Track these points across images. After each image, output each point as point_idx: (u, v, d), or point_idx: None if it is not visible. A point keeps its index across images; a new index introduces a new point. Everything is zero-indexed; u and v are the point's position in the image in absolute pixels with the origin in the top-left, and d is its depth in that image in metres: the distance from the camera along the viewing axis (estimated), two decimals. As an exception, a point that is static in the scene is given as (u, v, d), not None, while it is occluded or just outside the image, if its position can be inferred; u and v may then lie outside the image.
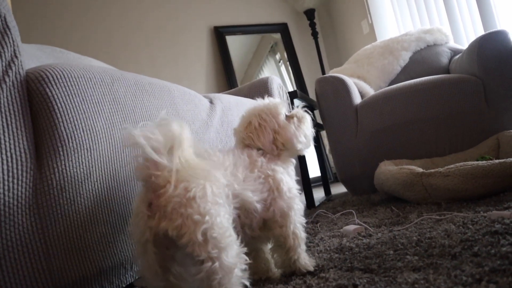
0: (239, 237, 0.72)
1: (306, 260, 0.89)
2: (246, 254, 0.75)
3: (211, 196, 0.67)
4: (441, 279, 0.67)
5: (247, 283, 0.69)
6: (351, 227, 1.23)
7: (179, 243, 0.64)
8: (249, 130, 0.94)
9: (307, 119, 1.00)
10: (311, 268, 0.88)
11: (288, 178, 0.92)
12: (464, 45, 2.64)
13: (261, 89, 1.91)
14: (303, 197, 2.05)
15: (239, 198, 0.79)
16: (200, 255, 0.64)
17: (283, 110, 0.97)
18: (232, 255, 0.67)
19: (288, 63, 4.13)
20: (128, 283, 0.92)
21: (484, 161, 1.33)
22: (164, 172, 0.65)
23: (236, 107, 1.46)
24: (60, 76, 0.79)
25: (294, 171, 0.98)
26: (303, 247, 0.89)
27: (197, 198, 0.65)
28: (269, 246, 0.94)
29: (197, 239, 0.63)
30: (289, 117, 0.98)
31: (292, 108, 1.01)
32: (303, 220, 0.91)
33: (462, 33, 2.80)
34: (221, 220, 0.67)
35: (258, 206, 0.83)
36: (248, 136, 0.93)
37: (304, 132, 0.97)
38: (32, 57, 1.30)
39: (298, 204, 0.90)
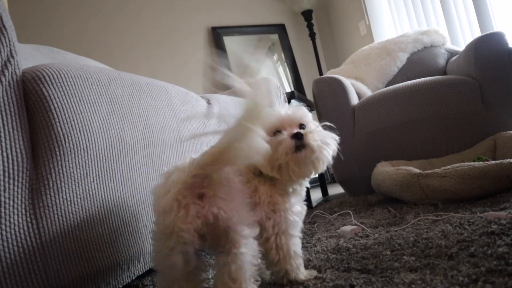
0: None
1: (299, 274, 0.82)
2: None
3: None
4: (438, 279, 0.67)
5: (258, 278, 0.72)
6: (348, 228, 1.23)
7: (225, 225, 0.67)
8: None
9: None
10: (301, 281, 0.82)
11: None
12: (461, 46, 2.65)
13: (259, 89, 1.91)
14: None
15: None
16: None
17: None
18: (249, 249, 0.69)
19: (285, 64, 4.13)
20: (125, 283, 0.92)
21: (481, 162, 1.33)
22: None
23: (234, 107, 1.46)
24: (56, 76, 0.79)
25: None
26: (298, 261, 0.83)
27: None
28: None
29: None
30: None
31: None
32: (298, 233, 0.84)
33: (459, 35, 2.80)
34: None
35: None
36: None
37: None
38: (29, 57, 1.29)
39: (293, 217, 0.83)
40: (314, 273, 0.85)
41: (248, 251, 0.69)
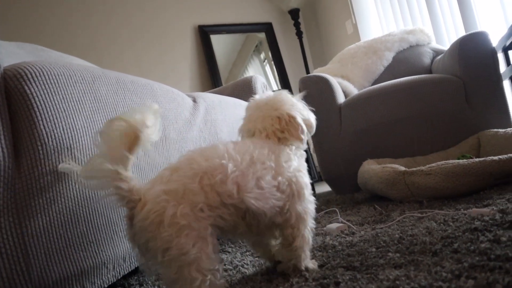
0: (238, 233, 0.80)
1: (308, 264, 0.86)
2: (256, 243, 0.93)
3: (169, 221, 0.68)
4: (422, 275, 0.68)
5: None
6: (334, 225, 1.23)
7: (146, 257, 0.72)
8: (277, 123, 0.90)
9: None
10: (306, 268, 0.86)
11: (308, 179, 0.89)
12: (445, 45, 2.68)
13: (245, 88, 1.91)
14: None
15: (242, 203, 0.75)
16: (163, 271, 0.71)
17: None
18: (198, 268, 0.69)
19: (272, 62, 4.13)
20: (110, 283, 0.91)
21: (465, 160, 1.35)
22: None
23: (219, 105, 1.46)
24: (39, 73, 0.78)
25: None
26: (307, 252, 0.87)
27: (154, 225, 0.69)
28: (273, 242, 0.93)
29: (158, 259, 0.69)
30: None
31: None
32: (313, 225, 0.89)
33: (444, 34, 2.84)
34: (178, 243, 0.68)
35: (268, 212, 0.79)
36: (279, 130, 0.90)
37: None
38: (12, 54, 1.27)
39: (312, 207, 0.89)
40: (316, 264, 0.89)
41: None
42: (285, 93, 0.97)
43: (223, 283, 0.74)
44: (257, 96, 1.00)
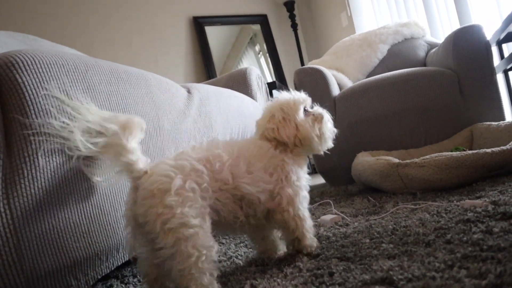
0: (239, 226, 0.84)
1: (313, 242, 0.90)
2: (254, 235, 0.97)
3: (175, 190, 0.72)
4: (415, 266, 0.68)
5: (215, 273, 0.75)
6: (328, 217, 1.24)
7: (145, 229, 0.72)
8: (272, 122, 0.93)
9: (325, 117, 0.98)
10: (313, 249, 0.90)
11: (298, 169, 0.92)
12: (440, 38, 2.68)
13: (240, 79, 1.90)
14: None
15: (235, 190, 0.81)
16: (160, 242, 0.70)
17: (302, 106, 0.96)
18: (194, 245, 0.70)
19: (267, 54, 4.12)
20: (104, 274, 0.91)
21: (458, 152, 1.36)
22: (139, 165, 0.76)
23: (214, 96, 1.45)
24: (31, 62, 0.77)
25: (306, 166, 0.97)
26: (310, 230, 0.90)
27: (160, 192, 0.71)
28: (275, 232, 0.97)
29: (156, 229, 0.70)
30: (308, 114, 0.97)
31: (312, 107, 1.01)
32: (306, 208, 0.92)
33: (439, 27, 2.84)
34: (183, 211, 0.71)
35: (261, 197, 0.84)
36: (271, 128, 0.92)
37: (318, 131, 0.95)
38: (2, 44, 1.26)
39: (304, 192, 0.91)
40: (317, 244, 0.93)
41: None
42: (298, 97, 0.98)
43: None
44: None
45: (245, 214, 0.84)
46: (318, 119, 0.97)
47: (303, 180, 0.92)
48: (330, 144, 0.99)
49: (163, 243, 0.70)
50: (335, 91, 2.25)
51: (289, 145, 0.92)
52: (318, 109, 1.00)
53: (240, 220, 0.83)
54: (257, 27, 4.16)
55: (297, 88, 2.28)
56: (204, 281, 0.71)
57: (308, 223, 0.91)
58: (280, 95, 0.99)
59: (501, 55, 2.13)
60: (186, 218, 0.70)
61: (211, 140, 0.89)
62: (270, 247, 0.97)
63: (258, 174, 0.84)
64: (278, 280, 0.77)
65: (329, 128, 0.98)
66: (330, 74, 2.30)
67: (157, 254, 0.72)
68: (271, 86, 2.16)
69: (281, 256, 0.94)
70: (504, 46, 2.16)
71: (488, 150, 1.31)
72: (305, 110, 0.97)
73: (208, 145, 0.85)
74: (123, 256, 0.97)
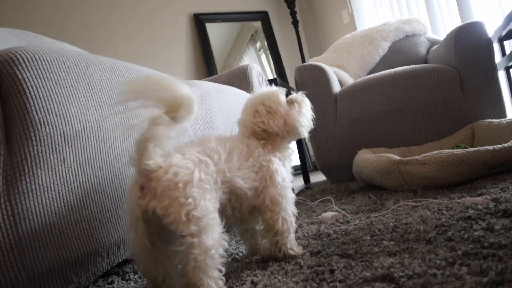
0: (223, 221, 0.79)
1: (293, 247, 0.90)
2: (243, 232, 0.99)
3: (197, 182, 0.73)
4: (416, 263, 0.68)
5: (223, 269, 0.74)
6: (329, 214, 1.24)
7: (165, 221, 0.71)
8: (258, 117, 0.94)
9: (306, 102, 1.01)
10: (295, 254, 0.89)
11: (283, 169, 0.93)
12: (441, 36, 2.68)
13: (241, 76, 1.90)
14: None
15: (229, 184, 0.83)
16: (183, 231, 0.70)
17: (281, 96, 0.98)
18: (212, 237, 0.72)
19: (268, 51, 4.11)
20: (104, 270, 0.91)
21: (459, 150, 1.35)
22: (156, 158, 0.73)
23: (215, 93, 1.45)
24: (32, 58, 0.76)
25: (290, 163, 0.99)
26: (292, 235, 0.91)
27: (183, 183, 0.71)
28: (258, 227, 0.98)
29: (181, 218, 0.70)
30: (289, 103, 0.98)
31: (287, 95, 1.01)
32: (294, 210, 0.93)
33: (440, 24, 2.83)
34: (204, 203, 0.72)
35: (248, 193, 0.86)
36: (261, 121, 0.93)
37: (305, 115, 0.99)
38: (3, 41, 1.25)
39: (290, 193, 0.93)
40: (301, 250, 0.92)
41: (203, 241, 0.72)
42: (274, 89, 0.99)
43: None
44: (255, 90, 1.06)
45: (232, 207, 0.86)
46: (300, 103, 0.99)
47: (288, 180, 0.94)
48: (311, 125, 1.02)
49: (186, 232, 0.70)
50: (336, 88, 2.24)
51: (280, 134, 0.94)
52: (294, 95, 1.01)
53: (227, 213, 0.85)
54: (258, 24, 4.15)
55: (298, 85, 2.28)
56: (215, 274, 0.72)
57: (293, 229, 0.92)
58: (255, 92, 1.01)
59: (503, 52, 2.12)
60: (206, 210, 0.72)
61: (202, 136, 0.91)
62: (258, 246, 0.98)
63: (246, 172, 0.86)
64: (279, 277, 0.77)
65: (310, 109, 1.02)
66: (331, 71, 2.30)
67: (164, 250, 0.74)
68: (272, 83, 2.15)
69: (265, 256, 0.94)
70: (505, 43, 2.15)
71: (490, 148, 1.31)
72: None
73: (201, 140, 0.86)
74: (124, 253, 0.97)
